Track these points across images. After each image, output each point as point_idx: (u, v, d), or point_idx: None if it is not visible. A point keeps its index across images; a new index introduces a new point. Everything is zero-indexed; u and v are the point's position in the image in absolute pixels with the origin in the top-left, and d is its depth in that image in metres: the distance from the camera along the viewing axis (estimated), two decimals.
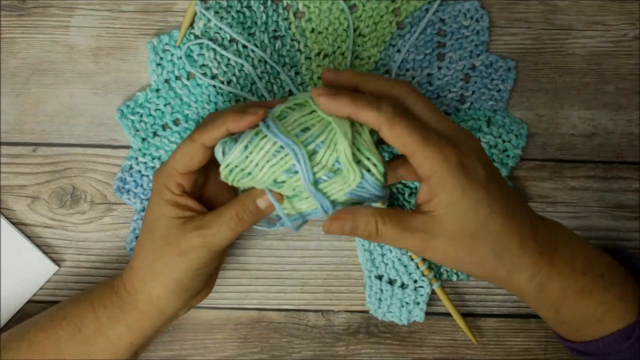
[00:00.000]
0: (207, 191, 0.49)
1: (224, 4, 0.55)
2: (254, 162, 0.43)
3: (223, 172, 0.44)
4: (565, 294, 0.44)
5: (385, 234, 0.43)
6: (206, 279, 0.49)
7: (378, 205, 0.53)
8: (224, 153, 0.44)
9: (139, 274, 0.47)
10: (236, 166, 0.43)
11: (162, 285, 0.46)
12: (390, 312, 0.56)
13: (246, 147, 0.43)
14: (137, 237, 0.55)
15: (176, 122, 0.56)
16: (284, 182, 0.43)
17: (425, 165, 0.42)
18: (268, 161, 0.42)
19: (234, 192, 0.50)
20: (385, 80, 0.46)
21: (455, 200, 0.42)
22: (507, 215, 0.43)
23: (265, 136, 0.42)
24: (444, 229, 0.42)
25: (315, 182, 0.43)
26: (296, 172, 0.42)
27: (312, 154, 0.42)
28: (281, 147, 0.42)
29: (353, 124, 0.43)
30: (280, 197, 0.45)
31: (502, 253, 0.43)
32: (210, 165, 0.47)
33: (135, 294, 0.47)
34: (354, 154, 0.42)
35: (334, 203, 0.44)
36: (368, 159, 0.42)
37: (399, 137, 0.42)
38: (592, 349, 0.45)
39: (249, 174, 0.43)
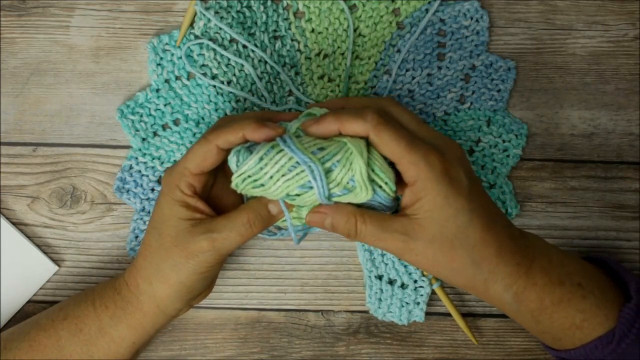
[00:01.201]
0: (213, 192, 0.49)
1: (224, 4, 0.55)
2: (268, 174, 0.43)
3: (235, 181, 0.45)
4: (544, 305, 0.45)
5: (364, 234, 0.45)
6: (210, 282, 0.49)
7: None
8: (237, 162, 0.44)
9: (143, 273, 0.47)
10: (249, 176, 0.44)
11: (167, 286, 0.46)
12: (390, 312, 0.56)
13: (261, 158, 0.43)
14: (136, 237, 0.55)
15: (176, 122, 0.56)
16: (297, 195, 0.44)
17: (410, 170, 0.43)
18: (283, 175, 0.43)
19: (239, 194, 0.50)
20: (369, 98, 0.49)
21: (437, 205, 0.43)
22: (486, 225, 0.44)
23: (282, 150, 0.43)
24: (424, 232, 0.43)
25: (328, 197, 0.44)
26: (310, 187, 0.44)
27: (327, 172, 0.43)
28: (297, 162, 0.43)
29: (368, 144, 0.44)
30: (290, 206, 0.46)
31: (479, 261, 0.44)
32: (218, 167, 0.47)
33: (139, 294, 0.47)
34: (368, 174, 0.43)
35: None
36: (380, 178, 0.44)
37: (386, 144, 0.43)
38: (576, 356, 0.45)
39: (262, 185, 0.44)
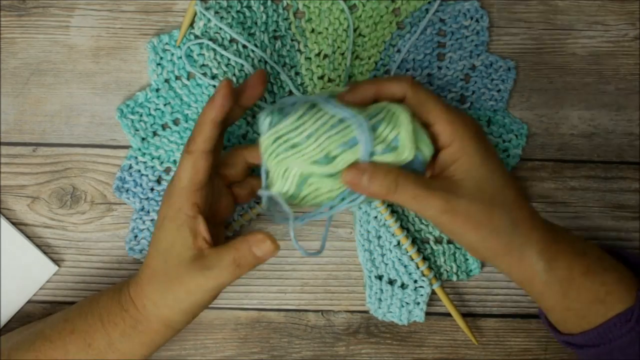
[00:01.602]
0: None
1: (224, 4, 0.55)
2: (306, 132, 0.42)
3: (265, 142, 0.43)
4: (572, 275, 0.45)
5: (404, 189, 0.43)
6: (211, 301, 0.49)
7: None
8: (271, 123, 0.43)
9: (150, 297, 0.47)
10: (281, 136, 0.42)
11: (172, 312, 0.47)
12: (390, 312, 0.56)
13: (300, 117, 0.42)
14: (136, 237, 0.55)
15: (176, 122, 0.56)
16: (335, 157, 0.42)
17: (447, 130, 0.44)
18: (325, 132, 0.42)
19: (232, 198, 0.50)
20: (389, 77, 0.50)
21: (475, 165, 0.44)
22: (518, 189, 0.45)
23: (322, 109, 0.42)
24: (464, 191, 0.44)
25: (370, 155, 0.43)
26: (354, 144, 0.42)
27: (372, 130, 0.43)
28: (340, 120, 0.42)
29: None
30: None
31: (517, 223, 0.44)
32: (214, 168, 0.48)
33: (148, 314, 0.47)
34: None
35: None
36: (422, 140, 0.44)
37: (423, 103, 0.44)
38: (594, 337, 0.45)
39: (293, 146, 0.42)
